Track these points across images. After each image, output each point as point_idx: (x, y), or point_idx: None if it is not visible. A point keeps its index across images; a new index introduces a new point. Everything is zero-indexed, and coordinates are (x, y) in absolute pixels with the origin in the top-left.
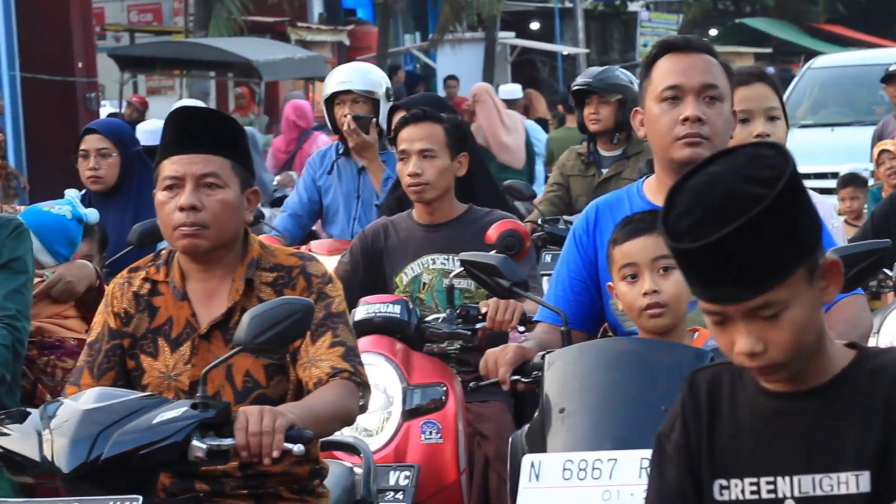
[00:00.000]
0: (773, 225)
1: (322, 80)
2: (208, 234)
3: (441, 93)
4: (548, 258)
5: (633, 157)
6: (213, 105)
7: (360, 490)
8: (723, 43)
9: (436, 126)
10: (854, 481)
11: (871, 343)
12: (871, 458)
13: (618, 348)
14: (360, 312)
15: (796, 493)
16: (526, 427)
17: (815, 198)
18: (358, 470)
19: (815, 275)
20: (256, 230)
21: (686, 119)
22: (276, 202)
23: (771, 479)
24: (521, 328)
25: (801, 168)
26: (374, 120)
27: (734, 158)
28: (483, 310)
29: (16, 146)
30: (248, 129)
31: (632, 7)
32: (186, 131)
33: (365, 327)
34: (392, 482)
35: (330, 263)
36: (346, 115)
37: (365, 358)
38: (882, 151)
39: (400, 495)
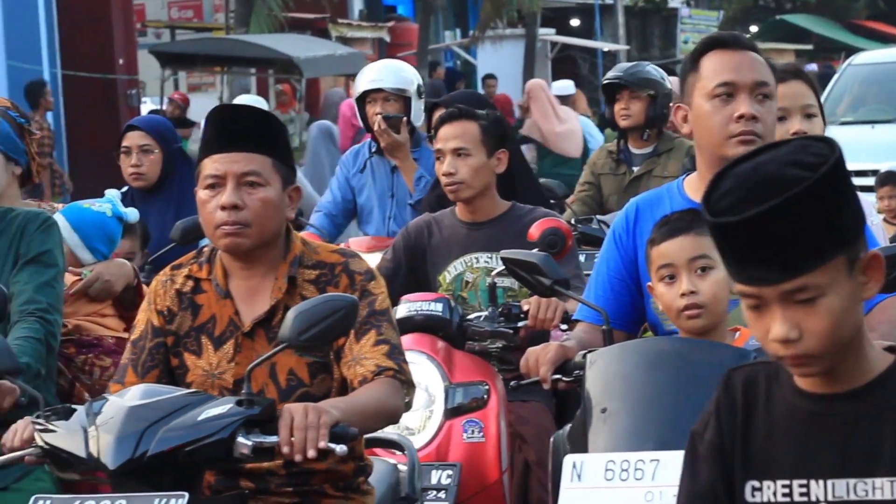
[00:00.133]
0: (814, 207)
1: None
2: (250, 233)
3: (480, 91)
4: (581, 258)
5: (664, 155)
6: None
7: (405, 487)
8: (763, 39)
9: (470, 124)
10: (889, 487)
11: None
12: None
13: (659, 348)
14: (402, 310)
15: (830, 498)
16: (567, 427)
17: None
18: (402, 467)
19: (856, 267)
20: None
21: (741, 117)
22: None
23: (804, 481)
24: (564, 326)
25: None
26: (405, 119)
27: (782, 147)
28: (525, 308)
29: (56, 143)
30: (325, 123)
31: (672, 3)
32: (227, 130)
33: (407, 325)
34: (434, 481)
35: (368, 261)
36: (377, 115)
37: (406, 356)
38: None
39: (442, 494)
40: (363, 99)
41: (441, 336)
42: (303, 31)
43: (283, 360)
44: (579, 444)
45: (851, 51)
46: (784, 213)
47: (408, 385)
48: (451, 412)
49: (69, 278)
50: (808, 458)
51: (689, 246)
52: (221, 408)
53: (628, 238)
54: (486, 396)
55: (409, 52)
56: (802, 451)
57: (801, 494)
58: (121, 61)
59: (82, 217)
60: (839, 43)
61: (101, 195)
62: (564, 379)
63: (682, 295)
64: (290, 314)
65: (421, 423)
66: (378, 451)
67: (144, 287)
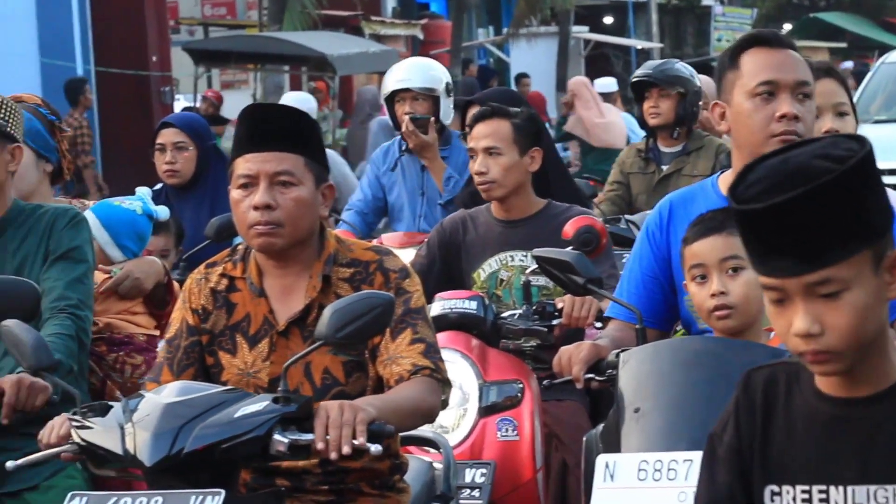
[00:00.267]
0: (841, 198)
1: None
2: (283, 233)
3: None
4: None
5: (694, 153)
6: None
7: (440, 485)
8: (797, 37)
9: (502, 122)
10: None
11: None
12: None
13: (693, 347)
14: (436, 308)
15: None
16: (600, 426)
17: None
18: (437, 465)
19: (882, 265)
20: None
21: (783, 116)
22: None
23: (823, 487)
24: (598, 324)
25: None
26: (432, 119)
27: (813, 143)
28: (559, 306)
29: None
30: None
31: (705, 1)
32: (259, 129)
33: (441, 323)
34: (468, 479)
35: (402, 257)
36: (405, 115)
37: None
38: None
39: (476, 492)
40: (392, 98)
41: (475, 334)
42: (336, 28)
43: (317, 359)
44: (612, 444)
45: (885, 49)
46: (810, 202)
47: (444, 384)
48: (486, 410)
49: (99, 276)
50: (828, 463)
51: (721, 246)
52: (258, 405)
53: (662, 236)
54: (520, 395)
55: (442, 49)
56: (822, 456)
57: (821, 500)
58: (154, 58)
59: (112, 214)
60: (873, 41)
61: (134, 193)
62: (597, 378)
63: (713, 295)
64: (327, 311)
65: (455, 421)
66: (412, 448)
67: (175, 284)
